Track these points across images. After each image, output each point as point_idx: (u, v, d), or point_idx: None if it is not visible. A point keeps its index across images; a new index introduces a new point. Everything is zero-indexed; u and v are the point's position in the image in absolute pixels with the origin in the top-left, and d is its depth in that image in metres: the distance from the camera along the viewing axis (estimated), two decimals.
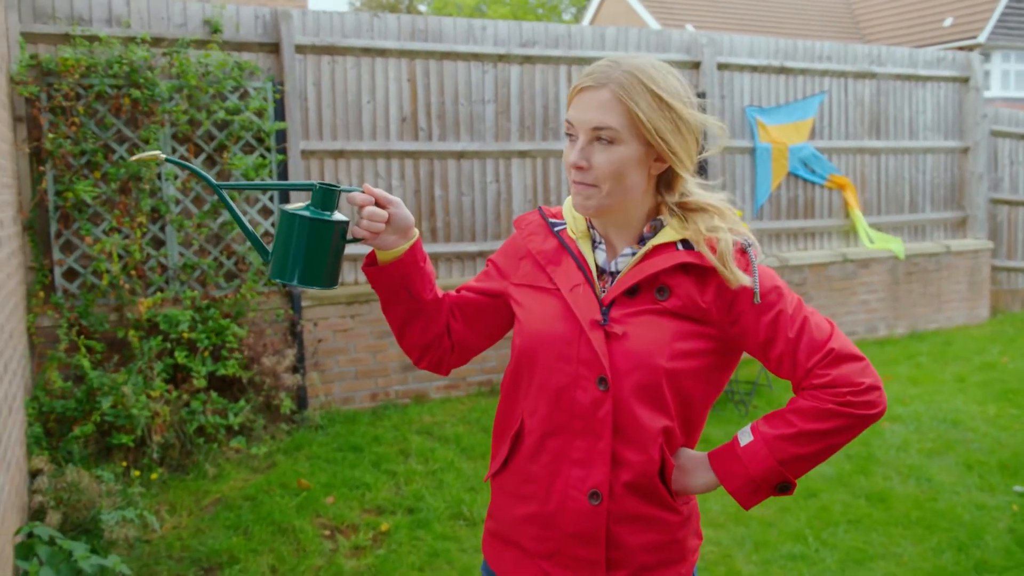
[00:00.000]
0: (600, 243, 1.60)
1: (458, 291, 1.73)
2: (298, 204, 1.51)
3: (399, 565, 3.75)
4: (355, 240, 1.54)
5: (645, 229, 1.58)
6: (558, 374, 1.54)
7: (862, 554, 3.82)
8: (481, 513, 4.20)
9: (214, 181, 1.50)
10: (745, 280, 1.50)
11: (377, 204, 1.52)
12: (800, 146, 7.61)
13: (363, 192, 1.52)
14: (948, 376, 6.72)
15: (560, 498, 1.55)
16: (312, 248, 1.47)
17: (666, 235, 1.54)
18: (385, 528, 4.07)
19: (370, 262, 1.61)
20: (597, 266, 1.59)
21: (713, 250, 1.51)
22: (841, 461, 4.89)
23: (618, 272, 1.57)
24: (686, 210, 1.56)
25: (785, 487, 1.53)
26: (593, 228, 1.62)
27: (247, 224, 1.57)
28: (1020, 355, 7.40)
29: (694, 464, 1.58)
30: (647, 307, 1.52)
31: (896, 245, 8.00)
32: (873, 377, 1.50)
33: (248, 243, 5.37)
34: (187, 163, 1.49)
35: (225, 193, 1.54)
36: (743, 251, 1.54)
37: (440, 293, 1.67)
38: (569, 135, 1.53)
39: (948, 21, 20.51)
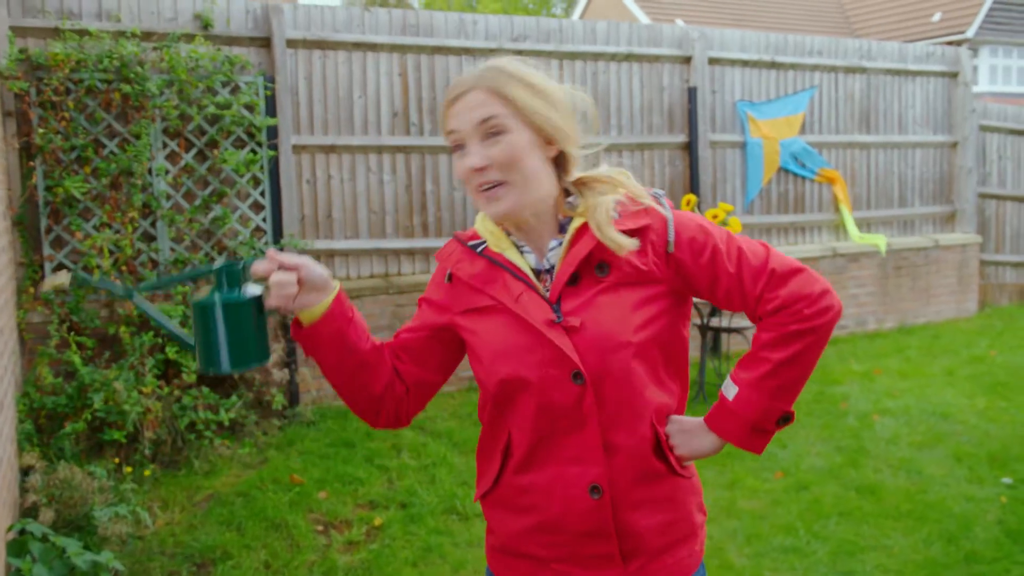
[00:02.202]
0: (524, 247, 1.60)
1: (396, 336, 1.67)
2: (203, 293, 1.48)
3: (392, 560, 3.76)
4: (272, 312, 1.49)
5: (560, 216, 1.58)
6: (532, 383, 1.52)
7: (853, 546, 3.85)
8: (474, 507, 4.21)
9: (122, 290, 1.53)
10: (629, 244, 1.50)
11: (283, 269, 1.48)
12: (791, 140, 7.63)
13: (266, 261, 1.47)
14: (937, 369, 6.76)
15: (562, 500, 1.53)
16: (232, 332, 1.44)
17: (581, 216, 1.55)
18: (378, 523, 4.08)
19: (298, 328, 1.54)
20: (532, 269, 1.58)
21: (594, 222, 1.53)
22: (832, 454, 4.92)
23: (553, 267, 1.56)
24: (583, 186, 1.58)
25: (786, 418, 1.55)
26: (511, 235, 1.61)
27: (168, 323, 1.57)
28: (1008, 348, 7.45)
29: (693, 429, 1.59)
30: (593, 289, 1.52)
31: (880, 241, 8.03)
32: (821, 283, 1.53)
33: (240, 240, 5.36)
34: (90, 279, 1.52)
35: (143, 297, 1.54)
36: (657, 203, 1.56)
37: (377, 341, 1.62)
38: (455, 148, 1.53)
39: (936, 16, 20.60)
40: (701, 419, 1.60)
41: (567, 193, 1.60)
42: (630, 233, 1.52)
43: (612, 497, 1.52)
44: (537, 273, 1.58)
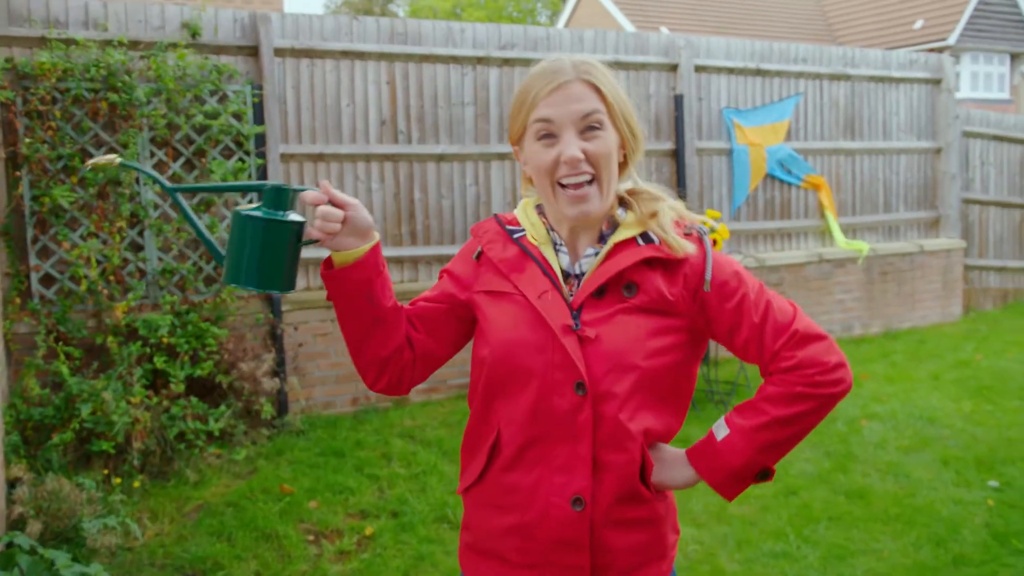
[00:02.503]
0: (561, 246, 1.59)
1: (413, 303, 1.66)
2: (250, 205, 1.46)
3: (384, 569, 3.75)
4: (311, 242, 1.48)
5: (604, 226, 1.58)
6: (534, 382, 1.52)
7: (843, 550, 3.86)
8: None
9: (168, 184, 1.47)
10: (689, 247, 1.52)
11: (333, 204, 1.46)
12: (777, 147, 7.68)
13: (319, 191, 1.46)
14: (923, 374, 6.81)
15: (542, 506, 1.53)
16: (267, 251, 1.42)
17: (625, 231, 1.55)
18: (369, 532, 4.07)
19: (328, 267, 1.53)
20: (562, 270, 1.58)
21: (655, 227, 1.55)
22: (821, 459, 4.94)
23: (583, 274, 1.56)
24: (637, 195, 1.60)
25: (765, 474, 1.55)
26: (553, 231, 1.61)
27: (201, 226, 1.52)
28: (993, 352, 7.51)
29: (672, 459, 1.58)
30: (617, 307, 1.52)
31: (862, 247, 8.08)
32: (838, 355, 1.53)
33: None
34: (138, 166, 1.44)
35: (180, 196, 1.50)
36: (699, 239, 1.56)
37: (399, 304, 1.60)
38: (548, 136, 1.51)
39: (919, 23, 20.77)
40: (683, 451, 1.59)
41: (619, 202, 1.62)
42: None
43: (593, 512, 1.52)
44: (566, 275, 1.58)
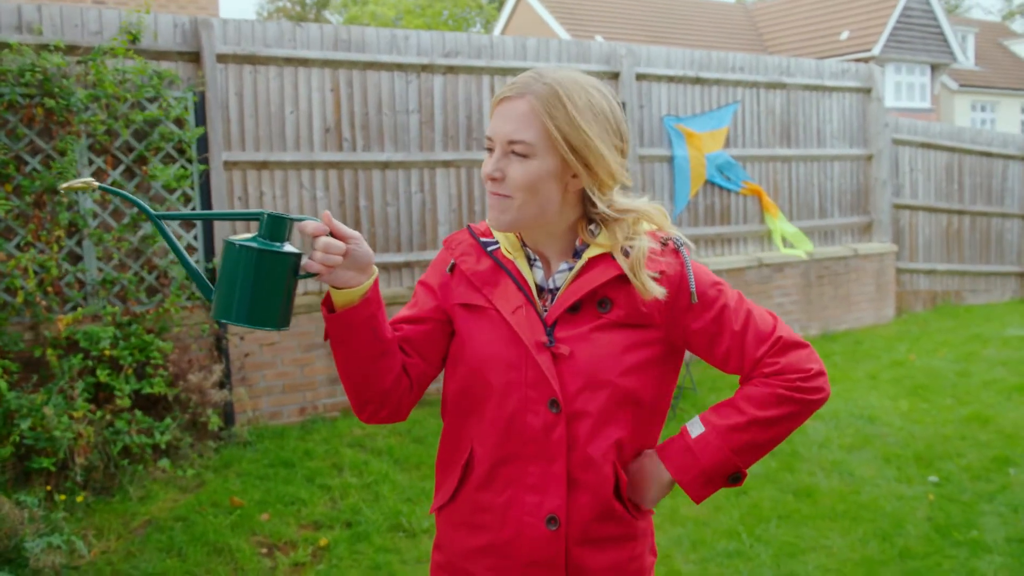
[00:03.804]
0: (535, 260, 1.57)
1: (396, 327, 1.59)
2: (244, 235, 1.38)
3: None
4: (308, 275, 1.38)
5: (577, 242, 1.56)
6: (507, 399, 1.50)
7: (794, 548, 3.95)
8: (421, 524, 4.18)
9: (152, 211, 1.38)
10: (657, 291, 1.48)
11: (334, 236, 1.39)
12: (716, 154, 7.83)
13: (319, 221, 1.38)
14: (861, 374, 6.99)
15: (516, 526, 1.51)
16: (261, 284, 1.34)
17: (597, 247, 1.53)
18: (324, 543, 4.01)
19: (329, 307, 1.46)
20: (536, 284, 1.55)
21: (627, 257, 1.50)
22: (767, 459, 5.03)
23: (557, 289, 1.54)
24: (607, 220, 1.53)
25: (737, 477, 1.51)
26: (526, 245, 1.58)
27: (187, 256, 1.43)
28: (925, 352, 7.76)
29: (643, 466, 1.55)
30: (591, 323, 1.50)
31: (800, 251, 8.28)
32: (819, 363, 1.53)
33: (171, 258, 5.23)
34: (120, 191, 1.37)
35: (163, 222, 1.40)
36: (676, 251, 1.54)
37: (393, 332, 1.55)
38: (488, 148, 1.51)
39: (844, 34, 21.40)
40: (654, 451, 1.57)
41: (590, 220, 1.56)
42: (655, 279, 1.50)
43: (568, 531, 1.50)
44: (539, 290, 1.55)
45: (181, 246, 1.42)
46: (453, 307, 1.57)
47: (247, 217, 1.41)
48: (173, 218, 1.42)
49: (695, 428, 1.53)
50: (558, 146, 1.46)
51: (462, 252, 1.60)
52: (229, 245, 1.35)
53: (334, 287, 1.43)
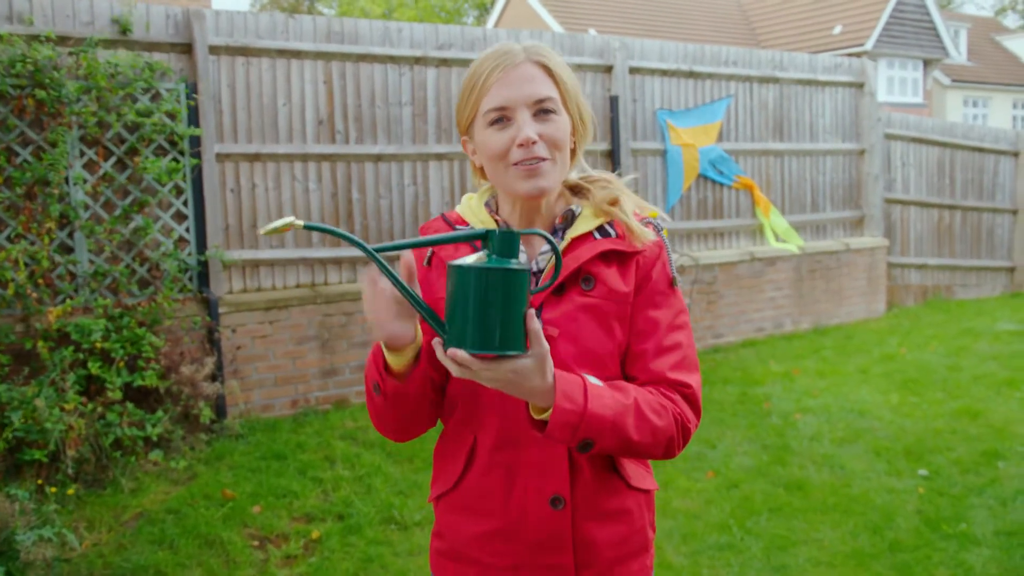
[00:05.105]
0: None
1: None
2: (469, 257, 1.30)
3: (333, 572, 3.70)
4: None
5: (558, 220, 1.56)
6: None
7: (785, 541, 3.96)
8: (413, 516, 4.19)
9: (367, 245, 1.28)
10: (649, 236, 1.52)
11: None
12: (709, 148, 7.83)
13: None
14: (852, 368, 7.02)
15: (521, 509, 1.51)
16: (513, 306, 1.26)
17: (582, 224, 1.53)
18: (316, 536, 4.01)
19: (387, 370, 1.43)
20: None
21: (615, 216, 1.53)
22: (758, 452, 5.06)
23: (541, 271, 1.54)
24: (583, 187, 1.57)
25: (587, 446, 1.40)
26: (507, 227, 1.56)
27: (418, 296, 1.32)
28: (916, 347, 7.79)
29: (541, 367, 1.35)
30: (576, 301, 1.50)
31: (792, 246, 8.31)
32: (689, 437, 1.52)
33: (163, 251, 5.21)
34: (327, 227, 1.27)
35: (382, 256, 1.31)
36: (655, 232, 1.56)
37: None
38: (500, 120, 1.47)
39: (837, 29, 21.41)
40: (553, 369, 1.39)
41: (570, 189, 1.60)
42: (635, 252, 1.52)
43: (573, 509, 1.51)
44: None
45: (406, 284, 1.33)
46: (436, 301, 1.55)
47: (476, 237, 1.33)
48: (390, 249, 1.30)
49: (592, 378, 1.43)
50: (568, 100, 1.51)
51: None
52: (467, 271, 1.26)
53: (391, 350, 1.41)
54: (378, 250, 1.29)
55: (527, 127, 1.46)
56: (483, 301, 1.25)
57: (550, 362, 1.34)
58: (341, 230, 1.32)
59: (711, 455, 5.02)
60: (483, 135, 1.50)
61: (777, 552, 3.86)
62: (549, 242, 1.33)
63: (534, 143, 1.46)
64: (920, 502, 4.38)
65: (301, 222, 1.23)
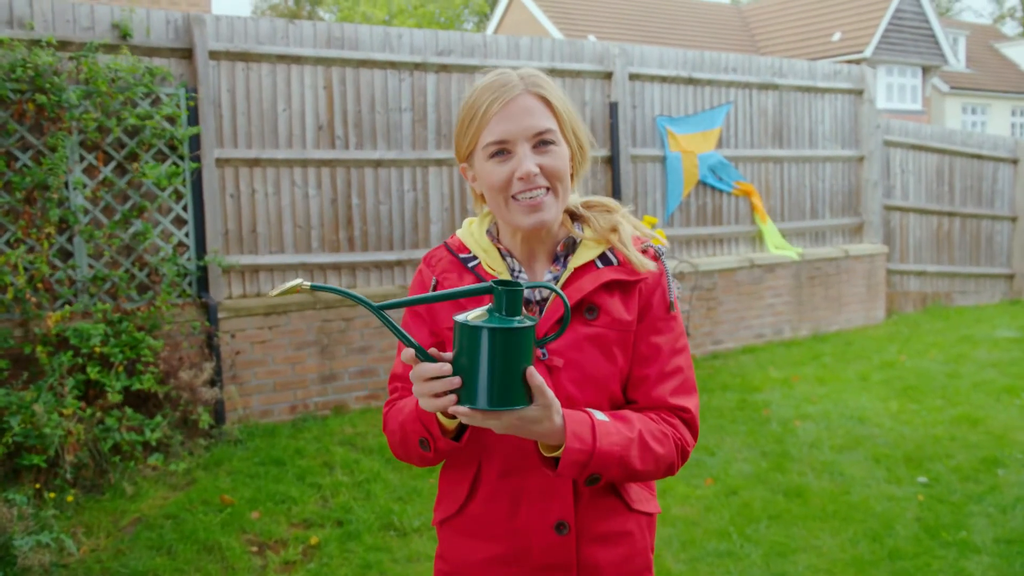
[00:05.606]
0: (519, 272, 1.55)
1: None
2: (472, 313, 1.31)
3: None
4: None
5: (558, 248, 1.57)
6: None
7: (784, 548, 3.95)
8: (412, 523, 4.18)
9: (371, 304, 1.29)
10: (650, 264, 1.53)
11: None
12: (708, 154, 7.84)
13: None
14: (851, 375, 7.02)
15: (525, 534, 1.52)
16: (514, 364, 1.28)
17: (584, 252, 1.54)
18: (314, 542, 4.01)
19: (445, 434, 1.44)
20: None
21: (615, 240, 1.54)
22: (758, 459, 5.05)
23: (544, 300, 1.53)
24: (582, 214, 1.58)
25: (594, 480, 1.43)
26: (511, 257, 1.56)
27: (425, 352, 1.33)
28: (916, 353, 7.78)
29: (549, 416, 1.38)
30: (580, 332, 1.49)
31: (792, 252, 8.31)
32: (687, 458, 1.55)
33: (162, 255, 5.21)
34: (334, 288, 1.28)
35: (387, 313, 1.32)
36: (656, 258, 1.56)
37: None
38: (500, 153, 1.48)
39: (836, 36, 21.45)
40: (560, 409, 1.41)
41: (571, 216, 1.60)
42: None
43: (577, 533, 1.52)
44: (526, 303, 1.55)
45: (412, 339, 1.34)
46: (443, 331, 1.55)
47: (480, 292, 1.33)
48: (395, 306, 1.32)
49: (598, 414, 1.45)
50: (566, 129, 1.52)
51: (443, 270, 1.58)
52: (471, 330, 1.27)
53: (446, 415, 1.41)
54: (383, 307, 1.31)
55: (527, 161, 1.46)
56: (485, 359, 1.26)
57: (557, 406, 1.36)
58: (347, 290, 1.36)
59: (710, 462, 5.01)
60: (484, 167, 1.51)
61: (776, 559, 3.85)
62: (559, 295, 1.36)
63: (535, 176, 1.47)
64: (920, 509, 4.37)
65: (308, 284, 1.26)
